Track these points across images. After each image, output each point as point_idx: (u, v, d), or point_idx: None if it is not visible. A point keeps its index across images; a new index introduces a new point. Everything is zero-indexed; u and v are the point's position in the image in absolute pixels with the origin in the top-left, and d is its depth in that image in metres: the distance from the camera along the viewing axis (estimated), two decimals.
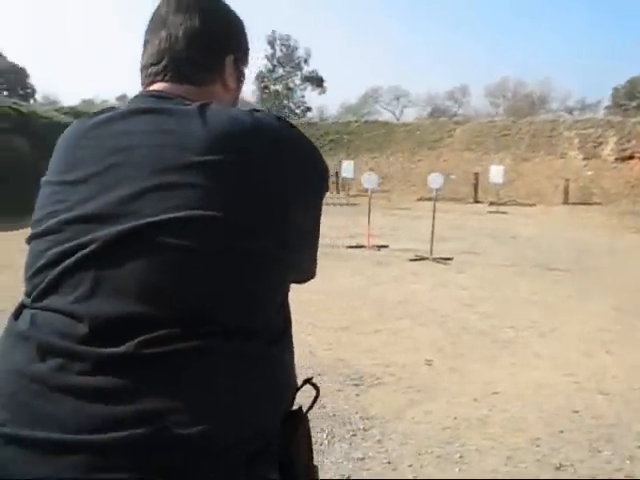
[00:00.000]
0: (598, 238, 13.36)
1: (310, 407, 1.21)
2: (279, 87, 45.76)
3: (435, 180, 10.00)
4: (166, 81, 1.18)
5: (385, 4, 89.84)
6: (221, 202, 1.01)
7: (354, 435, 3.72)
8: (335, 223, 15.11)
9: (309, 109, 46.94)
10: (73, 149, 1.12)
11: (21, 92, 47.24)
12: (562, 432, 3.80)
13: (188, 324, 0.98)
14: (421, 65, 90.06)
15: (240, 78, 1.31)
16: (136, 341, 0.95)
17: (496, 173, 18.84)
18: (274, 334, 1.08)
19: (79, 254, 1.00)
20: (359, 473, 3.27)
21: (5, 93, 42.55)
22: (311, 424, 3.50)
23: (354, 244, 11.32)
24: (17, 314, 1.06)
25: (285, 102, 45.84)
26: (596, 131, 22.32)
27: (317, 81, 46.07)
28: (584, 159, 21.92)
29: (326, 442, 3.62)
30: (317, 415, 3.94)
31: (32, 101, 44.86)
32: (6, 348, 1.05)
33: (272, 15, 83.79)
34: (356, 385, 4.54)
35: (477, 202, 20.51)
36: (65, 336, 0.97)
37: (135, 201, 1.00)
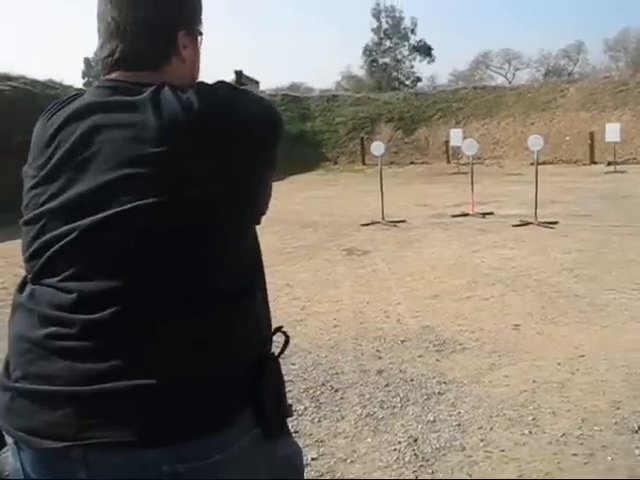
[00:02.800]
0: None
1: (281, 352, 1.31)
2: (387, 59, 45.37)
3: (535, 142, 9.63)
4: (122, 69, 1.26)
5: None
6: (172, 186, 1.13)
7: (428, 399, 3.75)
8: (442, 192, 14.96)
9: (419, 79, 46.35)
10: (46, 143, 1.25)
11: None
12: None
13: (152, 293, 1.13)
14: (532, 24, 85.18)
15: (196, 39, 1.35)
16: (112, 309, 1.10)
17: (612, 131, 17.78)
18: (234, 295, 1.20)
19: (63, 242, 1.16)
20: (428, 435, 3.31)
21: None
22: (387, 388, 3.60)
23: (458, 212, 11.14)
24: (21, 288, 1.25)
25: (394, 74, 45.43)
26: None
27: (425, 50, 45.27)
28: None
29: (399, 405, 3.67)
30: (394, 380, 4.01)
31: None
32: (13, 317, 1.25)
33: None
34: (438, 351, 4.55)
35: (593, 163, 19.47)
36: (57, 307, 1.15)
37: (102, 193, 1.14)
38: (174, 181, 1.13)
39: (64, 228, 1.16)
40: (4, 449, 1.23)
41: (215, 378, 1.14)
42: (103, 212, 1.12)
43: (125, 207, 1.11)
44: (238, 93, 1.25)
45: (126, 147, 1.14)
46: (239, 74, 1.77)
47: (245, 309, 1.22)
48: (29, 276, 1.23)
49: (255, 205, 1.26)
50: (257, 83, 1.91)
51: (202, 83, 1.27)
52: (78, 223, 1.14)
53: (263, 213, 1.30)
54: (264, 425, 1.20)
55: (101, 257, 1.14)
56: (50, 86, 18.58)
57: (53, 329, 1.13)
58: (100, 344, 1.10)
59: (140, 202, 1.11)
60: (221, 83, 1.25)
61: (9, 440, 1.17)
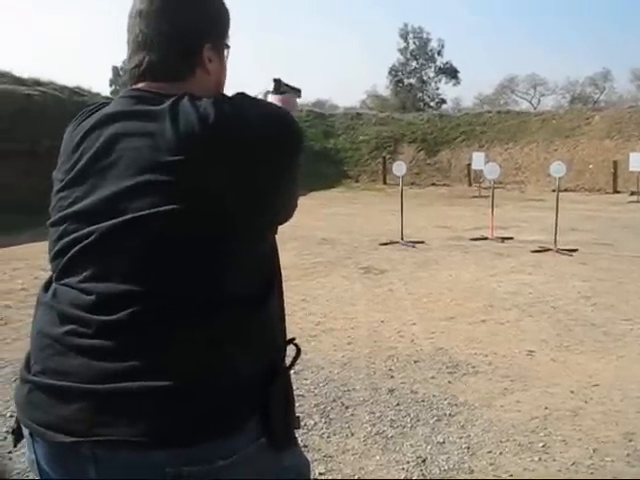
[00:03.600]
0: None
1: (292, 364, 1.33)
2: (413, 80, 45.49)
3: (557, 169, 9.61)
4: (148, 80, 1.30)
5: None
6: (189, 196, 1.15)
7: (438, 420, 3.74)
8: (462, 215, 14.93)
9: (444, 101, 46.46)
10: (73, 149, 1.30)
11: None
12: None
13: (168, 297, 1.16)
14: (558, 49, 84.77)
15: (222, 53, 1.38)
16: (129, 311, 1.14)
17: (636, 160, 17.62)
18: (248, 301, 1.22)
19: (82, 244, 1.20)
20: (437, 457, 3.30)
21: None
22: (398, 408, 3.60)
23: (478, 236, 11.12)
24: (46, 287, 1.30)
25: (419, 95, 45.53)
26: None
27: (451, 73, 45.37)
28: None
29: (409, 425, 3.66)
30: (405, 400, 4.01)
31: None
32: (36, 313, 1.29)
33: (404, 8, 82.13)
34: (450, 373, 4.54)
35: (616, 192, 19.38)
36: (77, 306, 1.19)
37: (120, 199, 1.18)
38: (191, 191, 1.15)
39: (85, 230, 1.20)
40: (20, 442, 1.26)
41: (228, 383, 1.16)
42: (121, 216, 1.16)
43: (142, 213, 1.15)
44: (255, 104, 1.27)
45: (145, 155, 1.18)
46: (278, 82, 1.69)
47: (260, 315, 1.25)
48: (53, 275, 1.27)
49: (271, 214, 1.28)
50: (299, 91, 1.78)
51: (221, 94, 1.30)
52: (97, 226, 1.18)
53: (280, 223, 1.32)
54: (269, 435, 1.21)
55: (118, 260, 1.17)
56: (78, 93, 18.91)
57: (72, 327, 1.17)
58: (116, 344, 1.14)
59: (157, 209, 1.14)
60: (240, 94, 1.28)
61: (25, 432, 1.21)
